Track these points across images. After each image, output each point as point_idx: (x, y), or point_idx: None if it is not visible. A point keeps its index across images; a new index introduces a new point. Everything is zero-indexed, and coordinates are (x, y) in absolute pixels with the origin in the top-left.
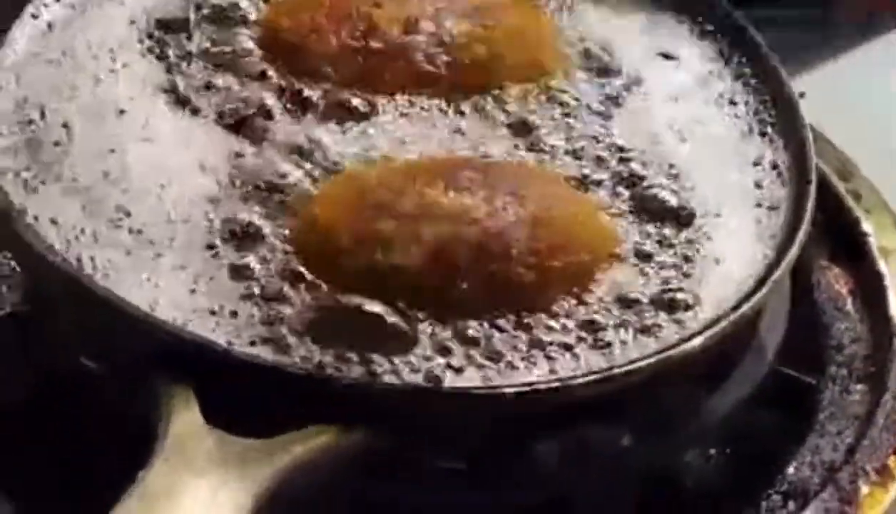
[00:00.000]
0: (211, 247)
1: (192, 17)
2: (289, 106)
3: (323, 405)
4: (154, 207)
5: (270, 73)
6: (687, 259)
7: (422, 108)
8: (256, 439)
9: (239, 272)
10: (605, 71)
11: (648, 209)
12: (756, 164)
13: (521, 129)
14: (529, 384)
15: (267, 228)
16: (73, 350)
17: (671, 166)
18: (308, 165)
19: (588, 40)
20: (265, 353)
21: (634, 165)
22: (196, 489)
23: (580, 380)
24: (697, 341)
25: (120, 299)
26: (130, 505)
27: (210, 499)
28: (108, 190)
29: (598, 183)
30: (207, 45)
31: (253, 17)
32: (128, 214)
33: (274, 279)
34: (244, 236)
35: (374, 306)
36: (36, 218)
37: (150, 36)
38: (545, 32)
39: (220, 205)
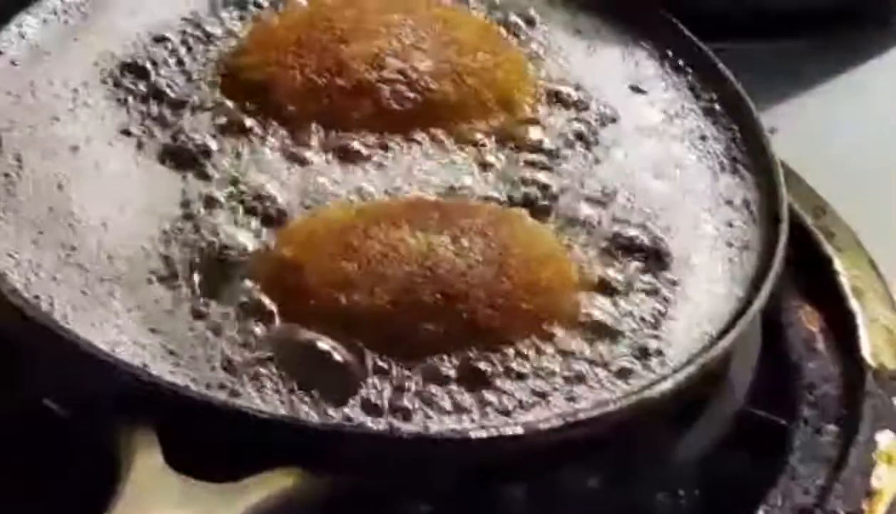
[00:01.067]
0: (164, 286)
1: (155, 60)
2: (245, 146)
3: (285, 449)
4: (101, 245)
5: (231, 113)
6: (656, 298)
7: (387, 146)
8: (219, 482)
9: (194, 311)
10: (576, 106)
11: (618, 246)
12: (728, 202)
13: (488, 167)
14: (493, 429)
15: (217, 270)
16: (35, 390)
17: (641, 204)
18: (260, 206)
19: (560, 74)
20: (224, 394)
21: (605, 202)
22: None
23: (546, 425)
24: (667, 385)
25: (80, 340)
26: None
27: None
28: (54, 226)
29: (568, 220)
30: (167, 88)
31: (214, 57)
32: (74, 250)
33: (230, 318)
34: (198, 275)
35: (329, 345)
36: None
37: (113, 78)
38: (515, 68)
39: (169, 244)
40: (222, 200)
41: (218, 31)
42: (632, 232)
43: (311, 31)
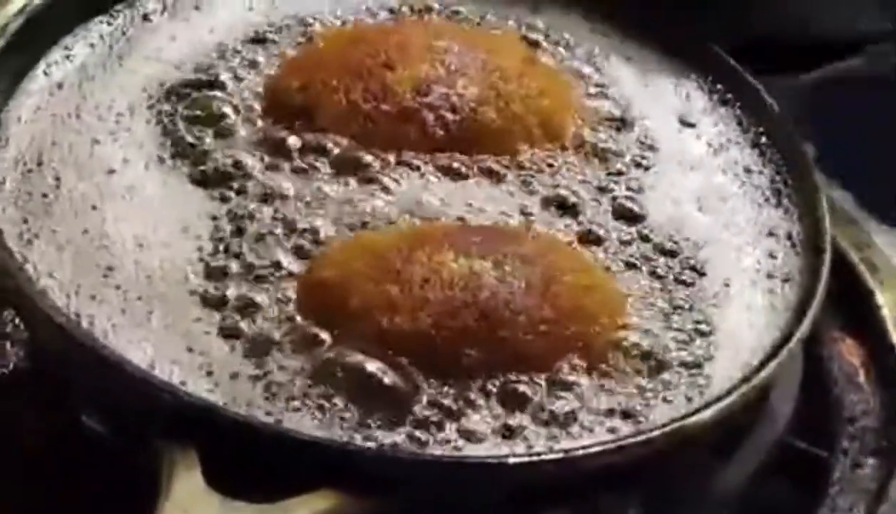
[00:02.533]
0: (202, 306)
1: (198, 85)
2: (286, 169)
3: (324, 470)
4: (139, 265)
5: (273, 136)
6: (699, 329)
7: (429, 171)
8: (258, 503)
9: (232, 332)
10: (622, 134)
11: (661, 277)
12: (771, 234)
13: (533, 193)
14: (533, 455)
15: (256, 291)
16: (75, 408)
17: (685, 234)
18: (301, 229)
19: (607, 103)
20: (263, 415)
21: (648, 232)
22: None
23: (586, 451)
24: (708, 414)
25: (120, 358)
26: None
27: None
28: (92, 246)
29: (610, 249)
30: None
31: (258, 81)
32: (111, 270)
33: (270, 339)
34: (233, 299)
35: (376, 366)
36: (36, 272)
37: (156, 102)
38: (560, 95)
39: (207, 266)
40: (263, 222)
41: (261, 57)
42: (673, 261)
43: (355, 55)
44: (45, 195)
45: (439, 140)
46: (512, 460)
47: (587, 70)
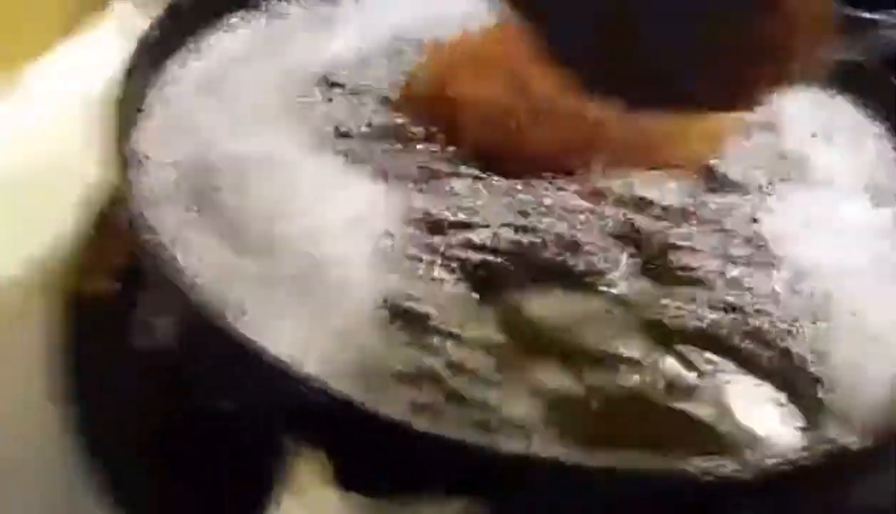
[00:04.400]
0: (374, 309)
1: (348, 75)
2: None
3: (458, 475)
4: (310, 260)
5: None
6: None
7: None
8: (383, 499)
9: (391, 339)
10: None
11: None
12: None
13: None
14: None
15: (427, 303)
16: (214, 393)
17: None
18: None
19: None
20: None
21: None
22: None
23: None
24: None
25: (262, 349)
26: None
27: None
28: (260, 234)
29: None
30: (360, 99)
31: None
32: (271, 261)
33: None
34: (403, 308)
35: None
36: (185, 255)
37: (309, 91)
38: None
39: (380, 267)
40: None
41: (407, 50)
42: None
43: (495, 53)
44: (215, 188)
45: (576, 142)
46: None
47: None
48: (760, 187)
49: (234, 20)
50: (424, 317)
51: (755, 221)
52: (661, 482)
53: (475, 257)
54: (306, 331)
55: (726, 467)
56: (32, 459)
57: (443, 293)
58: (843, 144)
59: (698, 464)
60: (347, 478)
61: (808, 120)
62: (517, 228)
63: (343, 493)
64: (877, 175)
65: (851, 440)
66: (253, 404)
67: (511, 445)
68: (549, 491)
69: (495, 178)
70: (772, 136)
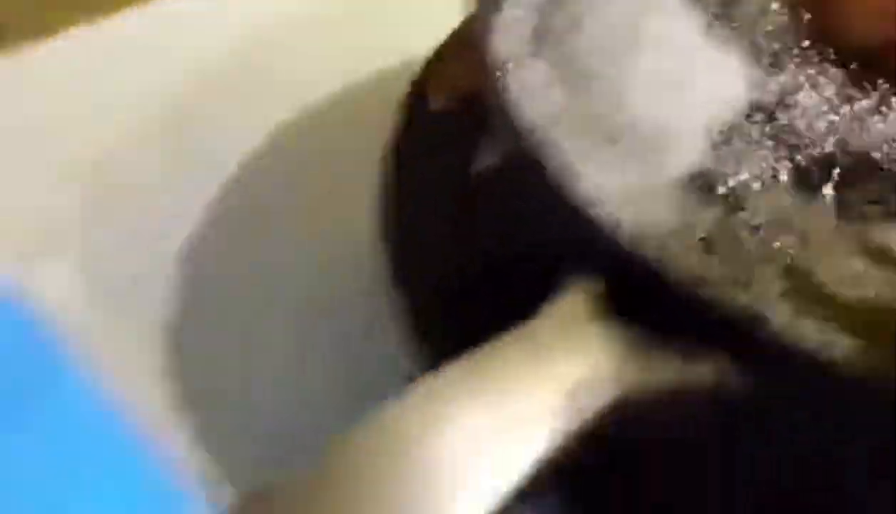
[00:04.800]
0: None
1: None
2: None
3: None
4: (654, 116)
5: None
6: None
7: None
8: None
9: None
10: None
11: None
12: None
13: None
14: None
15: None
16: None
17: None
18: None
19: None
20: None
21: None
22: (574, 356)
23: None
24: None
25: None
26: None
27: (584, 373)
28: (606, 88)
29: None
30: None
31: None
32: (611, 119)
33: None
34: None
35: None
36: (521, 90)
37: None
38: None
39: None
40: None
41: None
42: None
43: None
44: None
45: None
46: None
47: None
48: None
49: None
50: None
51: None
52: None
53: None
54: (619, 186)
55: None
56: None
57: (769, 186)
58: None
59: None
60: (614, 310)
61: None
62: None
63: (609, 327)
64: None
65: None
66: (549, 239)
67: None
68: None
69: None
70: None
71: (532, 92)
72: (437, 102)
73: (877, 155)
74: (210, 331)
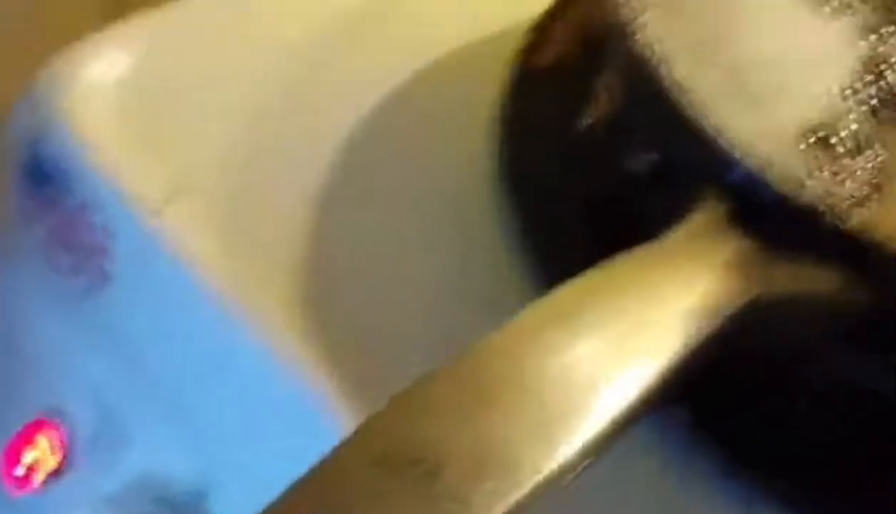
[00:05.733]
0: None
1: None
2: None
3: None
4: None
5: None
6: None
7: None
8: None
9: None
10: None
11: None
12: None
13: None
14: None
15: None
16: (630, 155)
17: None
18: None
19: None
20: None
21: None
22: (705, 266)
23: None
24: None
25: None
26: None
27: (714, 282)
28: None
29: None
30: None
31: None
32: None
33: None
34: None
35: None
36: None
37: None
38: None
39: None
40: None
41: None
42: None
43: None
44: None
45: None
46: None
47: None
48: None
49: None
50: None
51: None
52: None
53: None
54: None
55: None
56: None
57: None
58: None
59: None
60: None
61: None
62: None
63: (738, 240)
64: None
65: None
66: (673, 157)
67: None
68: None
69: None
70: None
71: (658, 25)
72: (559, 45)
73: None
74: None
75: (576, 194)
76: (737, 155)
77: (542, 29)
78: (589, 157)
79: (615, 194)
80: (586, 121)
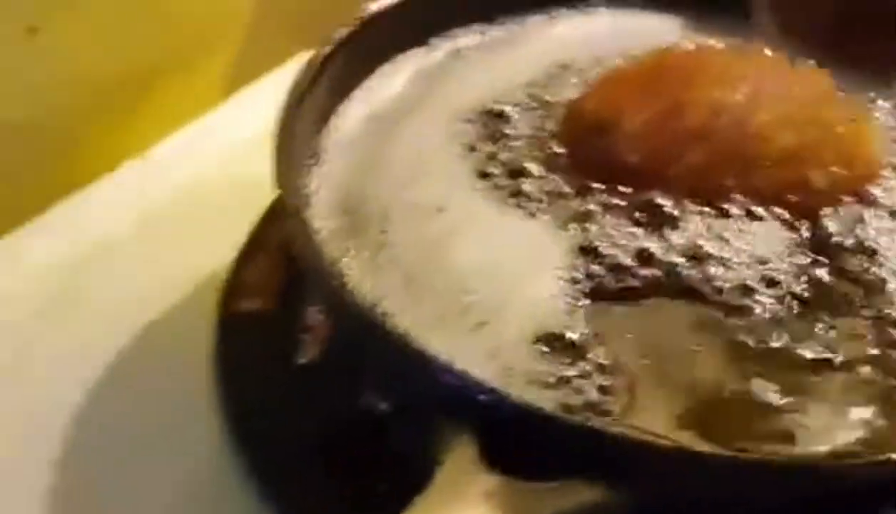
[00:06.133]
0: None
1: (509, 110)
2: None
3: (594, 458)
4: (487, 295)
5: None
6: None
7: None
8: (530, 482)
9: (552, 384)
10: None
11: None
12: None
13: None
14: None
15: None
16: (364, 395)
17: None
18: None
19: None
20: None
21: None
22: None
23: None
24: None
25: (420, 344)
26: None
27: None
28: (436, 277)
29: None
30: (525, 138)
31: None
32: (465, 294)
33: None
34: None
35: None
36: (349, 276)
37: (468, 130)
38: (866, 142)
39: (549, 312)
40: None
41: (563, 94)
42: None
43: (652, 78)
44: (382, 231)
45: (727, 164)
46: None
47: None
48: None
49: (398, 57)
50: (570, 344)
51: None
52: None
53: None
54: (458, 349)
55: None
56: (198, 468)
57: (594, 323)
58: None
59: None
60: (495, 461)
61: None
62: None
63: (490, 472)
64: None
65: None
66: (410, 402)
67: (648, 435)
68: (688, 482)
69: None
70: None
71: (365, 266)
72: (253, 302)
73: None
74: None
75: (304, 435)
76: (471, 388)
77: (237, 275)
78: (309, 397)
79: (347, 435)
80: (302, 360)
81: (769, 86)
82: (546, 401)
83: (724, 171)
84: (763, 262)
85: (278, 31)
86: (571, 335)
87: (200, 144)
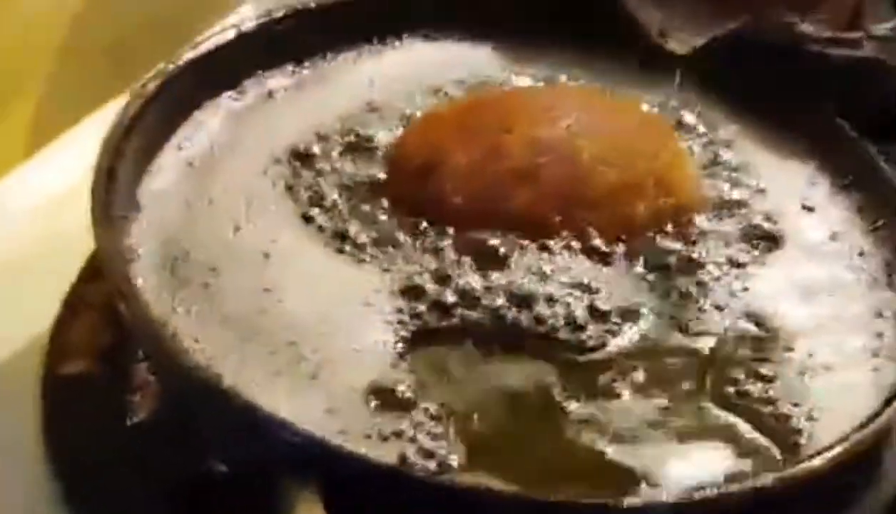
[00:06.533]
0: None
1: (326, 151)
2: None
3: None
4: (318, 346)
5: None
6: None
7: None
8: None
9: (387, 436)
10: (738, 214)
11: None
12: (879, 315)
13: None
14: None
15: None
16: (201, 455)
17: (787, 324)
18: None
19: (727, 179)
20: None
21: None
22: None
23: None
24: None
25: (256, 404)
26: None
27: None
28: (267, 329)
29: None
30: (344, 178)
31: (383, 149)
32: (263, 341)
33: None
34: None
35: None
36: (178, 334)
37: (286, 172)
38: (679, 164)
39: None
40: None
41: (379, 133)
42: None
43: (472, 117)
44: (205, 284)
45: (551, 201)
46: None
47: (722, 152)
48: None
49: (209, 103)
50: (400, 397)
51: None
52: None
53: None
54: (294, 404)
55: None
56: None
57: (423, 370)
58: None
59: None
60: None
61: None
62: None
63: None
64: None
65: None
66: (244, 457)
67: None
68: None
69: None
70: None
71: (185, 335)
72: (77, 364)
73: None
74: None
75: (137, 497)
76: (310, 445)
77: (60, 335)
78: (142, 458)
79: (185, 495)
80: (133, 420)
81: (587, 119)
82: (384, 453)
83: (550, 207)
84: (592, 292)
85: (79, 82)
86: (400, 388)
87: (11, 201)
